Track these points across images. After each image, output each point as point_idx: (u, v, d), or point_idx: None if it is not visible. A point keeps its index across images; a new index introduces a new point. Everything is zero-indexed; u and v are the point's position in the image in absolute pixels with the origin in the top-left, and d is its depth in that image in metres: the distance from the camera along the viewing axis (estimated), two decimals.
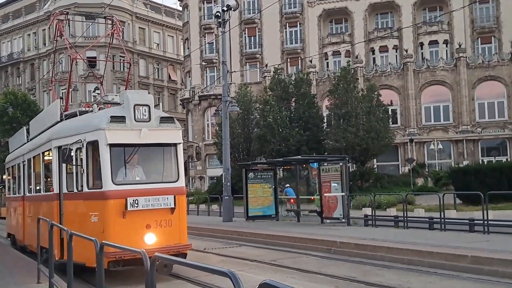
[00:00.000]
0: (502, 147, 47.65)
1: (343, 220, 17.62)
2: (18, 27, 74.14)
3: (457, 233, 14.66)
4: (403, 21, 52.44)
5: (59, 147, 10.70)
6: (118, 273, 9.54)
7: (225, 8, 22.14)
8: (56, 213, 10.59)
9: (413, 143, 47.37)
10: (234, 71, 47.87)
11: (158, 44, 73.65)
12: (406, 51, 49.86)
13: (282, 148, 39.36)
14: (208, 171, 55.81)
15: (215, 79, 55.43)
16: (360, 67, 48.85)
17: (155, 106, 10.40)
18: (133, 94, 10.44)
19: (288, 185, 22.17)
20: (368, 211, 21.77)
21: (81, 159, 10.08)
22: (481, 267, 9.55)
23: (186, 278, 9.79)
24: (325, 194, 18.31)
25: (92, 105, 11.50)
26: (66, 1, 62.68)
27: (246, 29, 56.65)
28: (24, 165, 14.23)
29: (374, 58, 53.37)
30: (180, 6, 63.41)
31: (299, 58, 55.16)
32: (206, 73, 58.39)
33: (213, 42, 56.43)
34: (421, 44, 52.65)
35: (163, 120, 10.38)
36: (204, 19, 58.26)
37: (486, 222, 14.67)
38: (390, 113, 44.53)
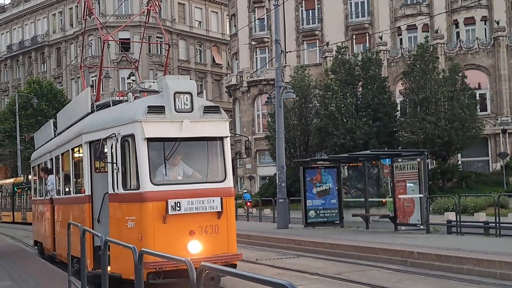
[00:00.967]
0: None
1: (422, 227, 17.54)
2: (42, 6, 76.22)
3: None
4: None
5: (91, 142, 11.03)
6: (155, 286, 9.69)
7: None
8: (88, 217, 10.95)
9: (507, 134, 46.23)
10: (289, 51, 47.69)
11: (200, 22, 74.50)
12: (498, 23, 48.42)
13: (347, 142, 39.16)
14: (259, 169, 56.07)
15: (267, 61, 55.57)
16: (441, 43, 47.88)
17: (198, 94, 10.54)
18: (173, 80, 10.62)
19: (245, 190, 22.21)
20: (451, 216, 21.67)
21: (115, 156, 10.33)
22: None
23: None
24: (399, 196, 18.24)
25: (127, 93, 11.76)
26: None
27: (303, 1, 56.46)
28: (51, 164, 14.75)
29: (458, 33, 52.06)
30: None
31: (367, 34, 54.46)
32: (256, 55, 58.57)
33: (264, 18, 56.50)
34: None
35: (207, 110, 10.49)
36: None
37: None
38: (478, 98, 43.56)
